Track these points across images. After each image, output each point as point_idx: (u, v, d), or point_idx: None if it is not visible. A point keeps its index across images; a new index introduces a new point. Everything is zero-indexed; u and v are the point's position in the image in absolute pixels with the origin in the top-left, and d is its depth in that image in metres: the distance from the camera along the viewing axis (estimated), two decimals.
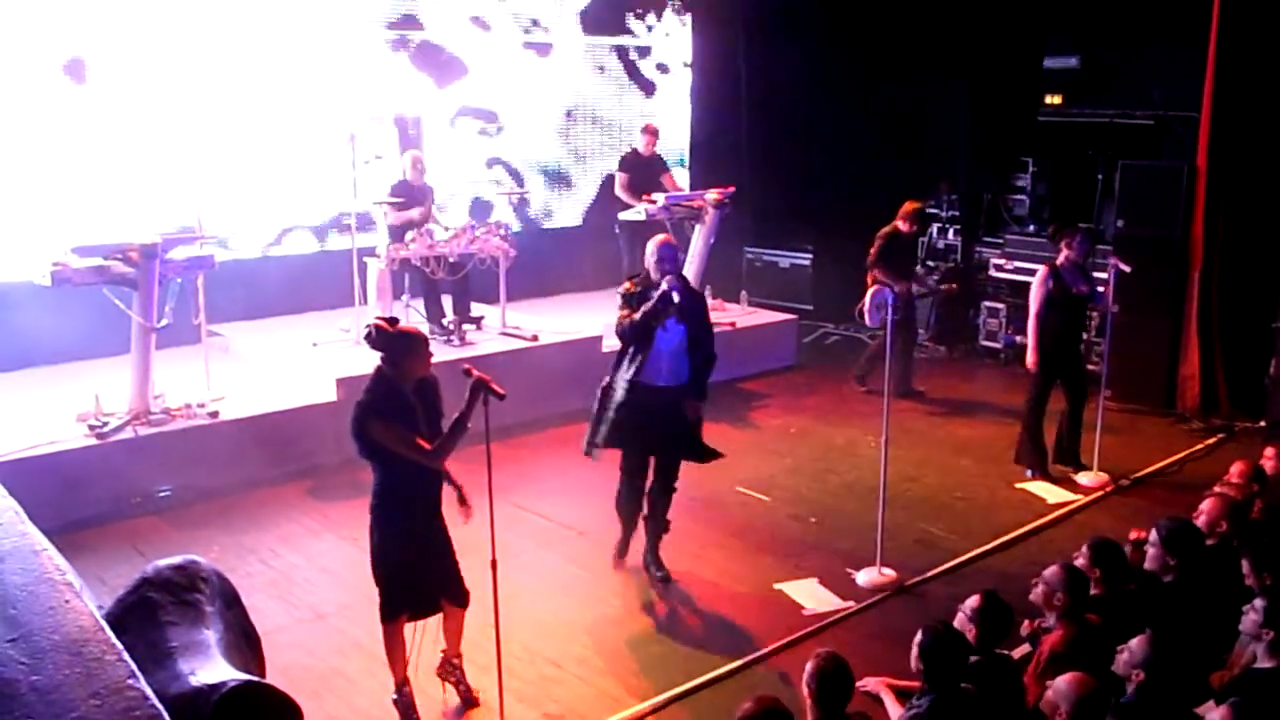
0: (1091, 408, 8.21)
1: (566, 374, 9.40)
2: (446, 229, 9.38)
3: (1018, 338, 11.14)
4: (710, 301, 10.97)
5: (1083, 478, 8.05)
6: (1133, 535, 5.68)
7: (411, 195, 9.39)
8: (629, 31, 12.47)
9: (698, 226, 10.35)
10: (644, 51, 12.65)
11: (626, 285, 6.32)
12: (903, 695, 4.75)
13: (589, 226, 12.27)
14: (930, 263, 12.04)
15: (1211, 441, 9.02)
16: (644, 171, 10.49)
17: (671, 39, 12.86)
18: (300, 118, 10.05)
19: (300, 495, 7.75)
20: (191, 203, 8.14)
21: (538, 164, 11.99)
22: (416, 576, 4.88)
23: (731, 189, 10.37)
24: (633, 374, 6.17)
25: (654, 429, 6.25)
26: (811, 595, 6.32)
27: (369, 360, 8.72)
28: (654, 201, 10.12)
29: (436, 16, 10.90)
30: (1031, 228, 11.64)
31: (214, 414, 7.85)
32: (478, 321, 9.74)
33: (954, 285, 11.27)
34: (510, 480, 6.90)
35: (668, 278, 6.05)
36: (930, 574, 6.61)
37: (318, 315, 10.08)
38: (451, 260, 9.28)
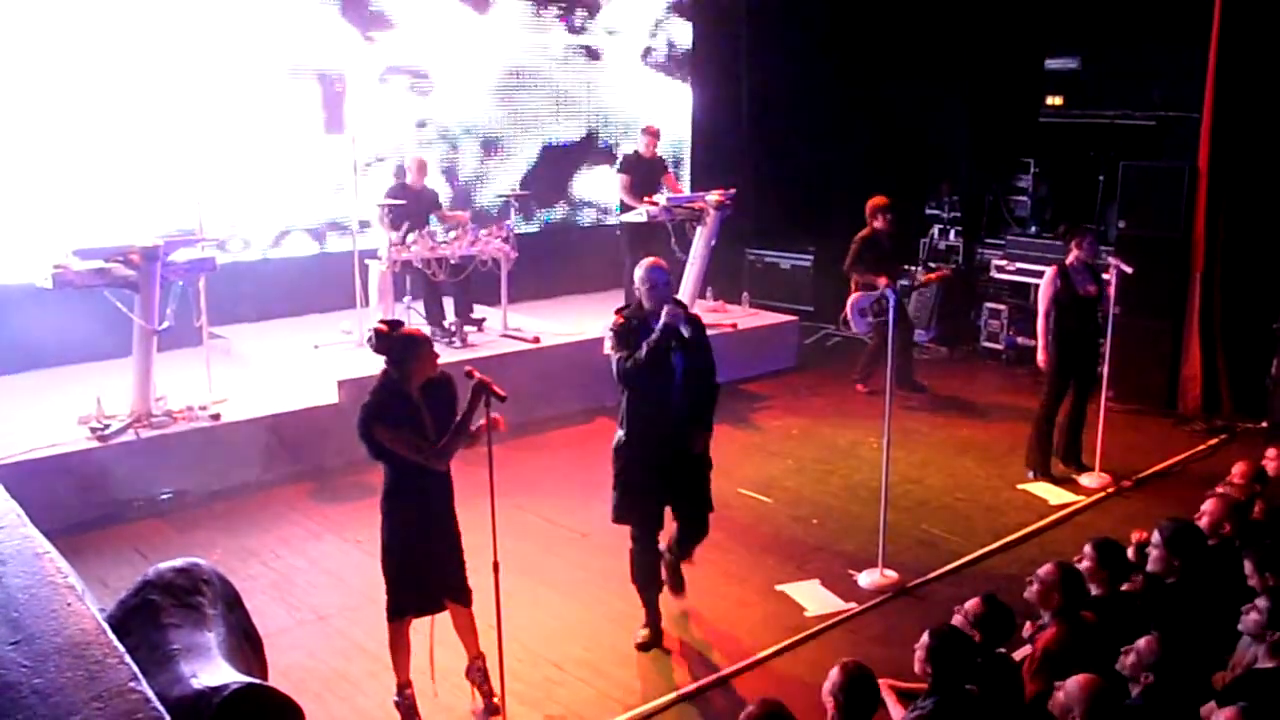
0: (1093, 408, 8.21)
1: (568, 376, 9.41)
2: (449, 231, 9.39)
3: (1019, 339, 11.16)
4: (712, 303, 11.01)
5: (1085, 479, 8.05)
6: (1134, 536, 5.67)
7: (411, 199, 9.38)
8: None
9: (699, 228, 10.35)
10: (592, 10, 12.20)
11: (614, 319, 5.58)
12: (905, 696, 4.74)
13: (590, 228, 12.29)
14: (931, 264, 12.04)
15: (1213, 442, 9.01)
16: (645, 173, 10.49)
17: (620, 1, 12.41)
18: (299, 118, 10.04)
19: (302, 497, 7.76)
20: (192, 205, 8.13)
21: (471, 128, 11.60)
22: (423, 575, 4.89)
23: (733, 190, 10.36)
24: (639, 423, 5.52)
25: (665, 477, 5.58)
26: (813, 597, 6.31)
27: (371, 362, 8.75)
28: (655, 203, 10.12)
29: None
30: (1033, 229, 11.64)
31: (215, 416, 7.86)
32: (479, 323, 9.75)
33: (945, 270, 11.17)
34: (512, 482, 6.89)
35: (667, 307, 5.42)
36: (932, 575, 6.60)
37: (319, 317, 10.09)
38: (453, 262, 9.28)
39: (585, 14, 12.09)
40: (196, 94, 9.48)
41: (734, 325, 10.66)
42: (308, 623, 5.99)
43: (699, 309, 10.41)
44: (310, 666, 5.48)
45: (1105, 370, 8.30)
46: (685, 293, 10.42)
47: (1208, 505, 5.37)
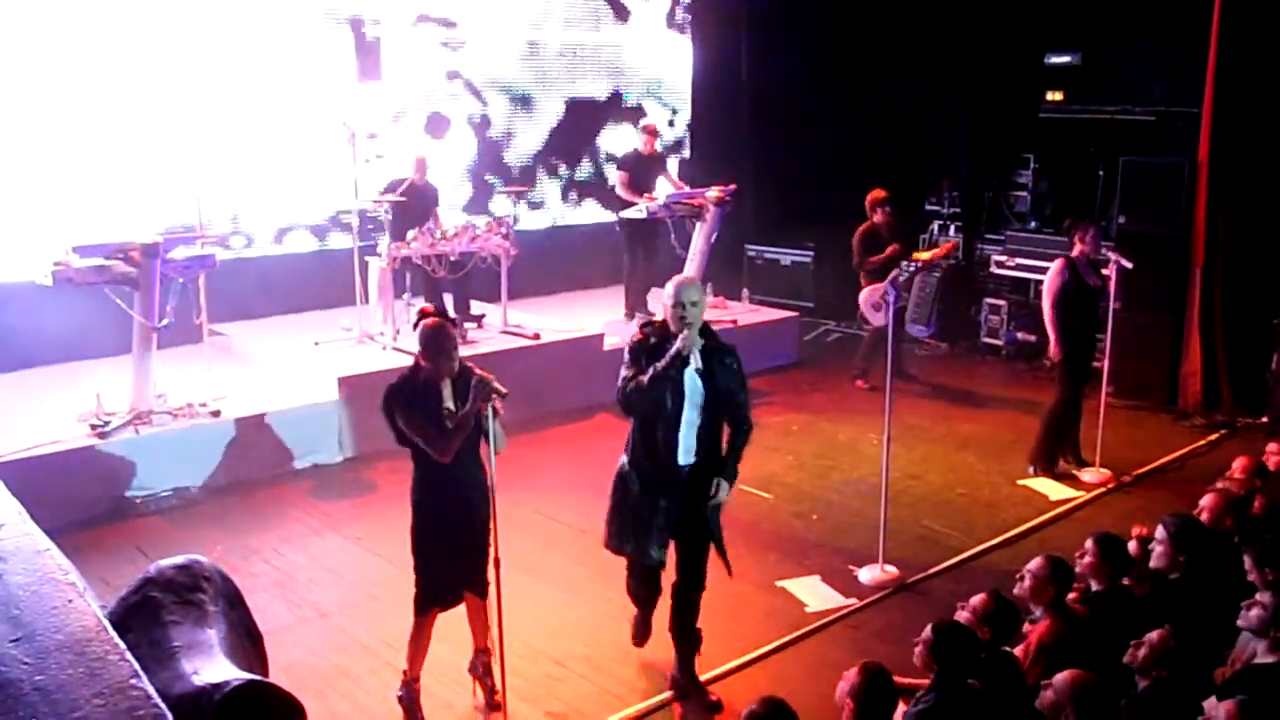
0: (1094, 404, 8.21)
1: (568, 372, 9.41)
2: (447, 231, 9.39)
3: (1019, 334, 11.16)
4: (712, 299, 11.00)
5: (1085, 474, 8.05)
6: (1135, 531, 5.67)
7: (414, 195, 9.38)
8: None
9: (699, 224, 10.34)
10: None
11: (635, 334, 5.13)
12: (906, 693, 4.74)
13: (591, 224, 12.28)
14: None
15: (1214, 438, 9.01)
16: (644, 170, 10.48)
17: None
18: (302, 114, 10.03)
19: (302, 495, 7.76)
20: (192, 202, 8.12)
21: (499, 83, 11.64)
22: (448, 567, 4.91)
23: (733, 187, 10.36)
24: (643, 453, 5.06)
25: (670, 514, 5.10)
26: (814, 592, 6.32)
27: (370, 359, 8.81)
28: (655, 199, 10.12)
29: None
30: (1033, 224, 11.63)
31: (216, 413, 7.86)
32: (479, 320, 9.75)
33: (948, 245, 11.06)
34: (512, 478, 6.89)
35: (685, 333, 4.87)
36: (933, 571, 6.61)
37: (319, 314, 10.09)
38: (453, 259, 9.27)
39: None
40: (198, 89, 9.46)
41: (734, 321, 10.66)
42: (309, 620, 5.99)
43: None
44: (311, 663, 5.49)
45: (1105, 365, 8.30)
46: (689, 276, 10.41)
47: (1206, 500, 5.37)
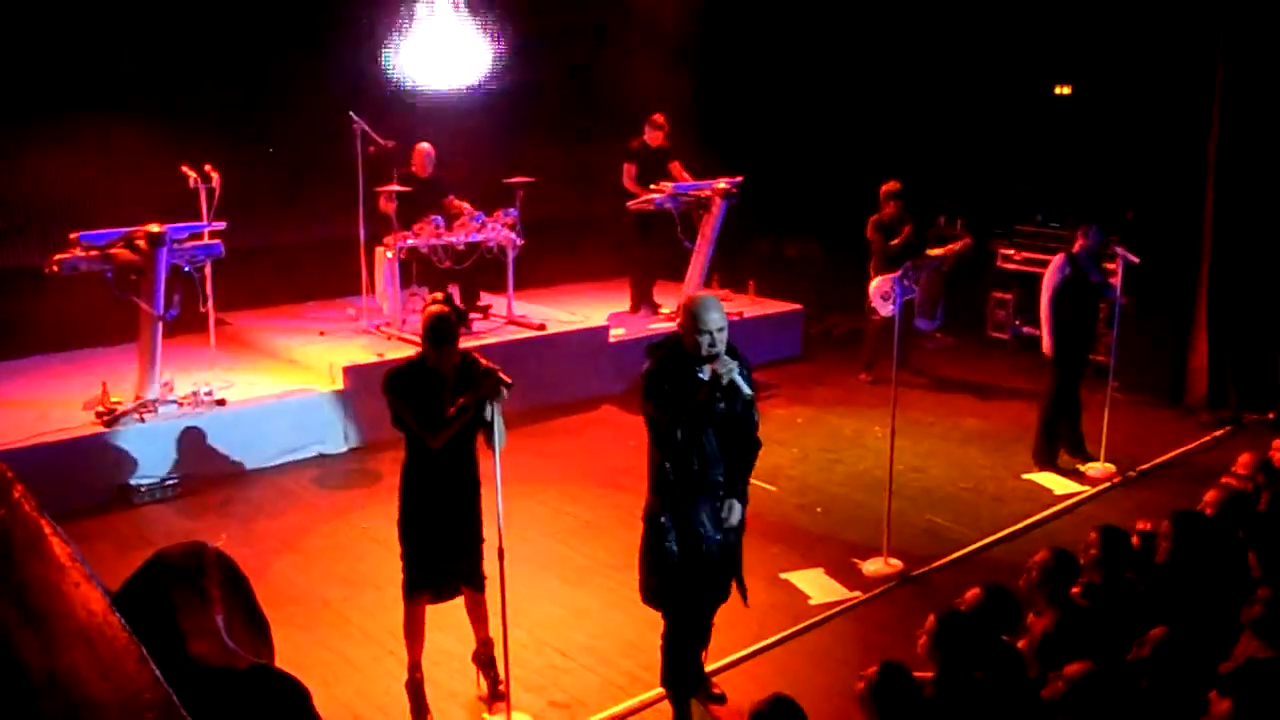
0: (1099, 399, 8.19)
1: (573, 363, 9.42)
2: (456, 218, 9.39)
3: (1025, 328, 11.14)
4: (717, 291, 11.00)
5: (1089, 469, 8.04)
6: (1139, 527, 5.66)
7: (417, 186, 9.38)
8: None
9: (705, 216, 10.33)
10: None
11: (647, 365, 4.63)
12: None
13: (595, 216, 12.25)
14: (944, 238, 11.99)
15: (1220, 434, 9.00)
16: (652, 162, 10.47)
17: None
18: (309, 102, 10.01)
19: (307, 484, 7.77)
20: (200, 190, 8.12)
21: None
22: (437, 557, 4.92)
23: (740, 178, 10.34)
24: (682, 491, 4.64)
25: (709, 559, 4.75)
26: (818, 585, 6.32)
27: (376, 348, 8.81)
28: (662, 191, 10.11)
29: None
30: (1039, 218, 11.60)
31: (221, 402, 7.87)
32: (485, 310, 9.75)
33: (963, 241, 11.02)
34: (516, 469, 6.90)
35: (722, 360, 4.53)
36: (936, 564, 6.61)
37: (325, 304, 10.11)
38: (459, 249, 9.27)
39: None
40: (206, 76, 9.46)
41: (740, 314, 10.65)
42: (314, 608, 6.00)
43: None
44: (316, 652, 5.50)
45: (1112, 361, 8.28)
46: (691, 282, 10.43)
47: (1210, 495, 5.36)
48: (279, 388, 8.35)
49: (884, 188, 10.00)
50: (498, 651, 4.99)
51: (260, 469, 7.89)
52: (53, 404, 7.76)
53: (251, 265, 9.58)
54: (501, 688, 5.01)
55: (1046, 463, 8.10)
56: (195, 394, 7.83)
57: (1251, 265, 9.46)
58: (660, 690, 5.12)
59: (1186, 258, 9.58)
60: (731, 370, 4.51)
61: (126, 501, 7.28)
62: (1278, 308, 9.29)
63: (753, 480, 7.51)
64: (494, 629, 5.05)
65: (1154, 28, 10.31)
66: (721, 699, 5.16)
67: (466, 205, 9.59)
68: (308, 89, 9.87)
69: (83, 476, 7.15)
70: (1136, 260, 7.91)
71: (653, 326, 10.15)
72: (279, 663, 3.23)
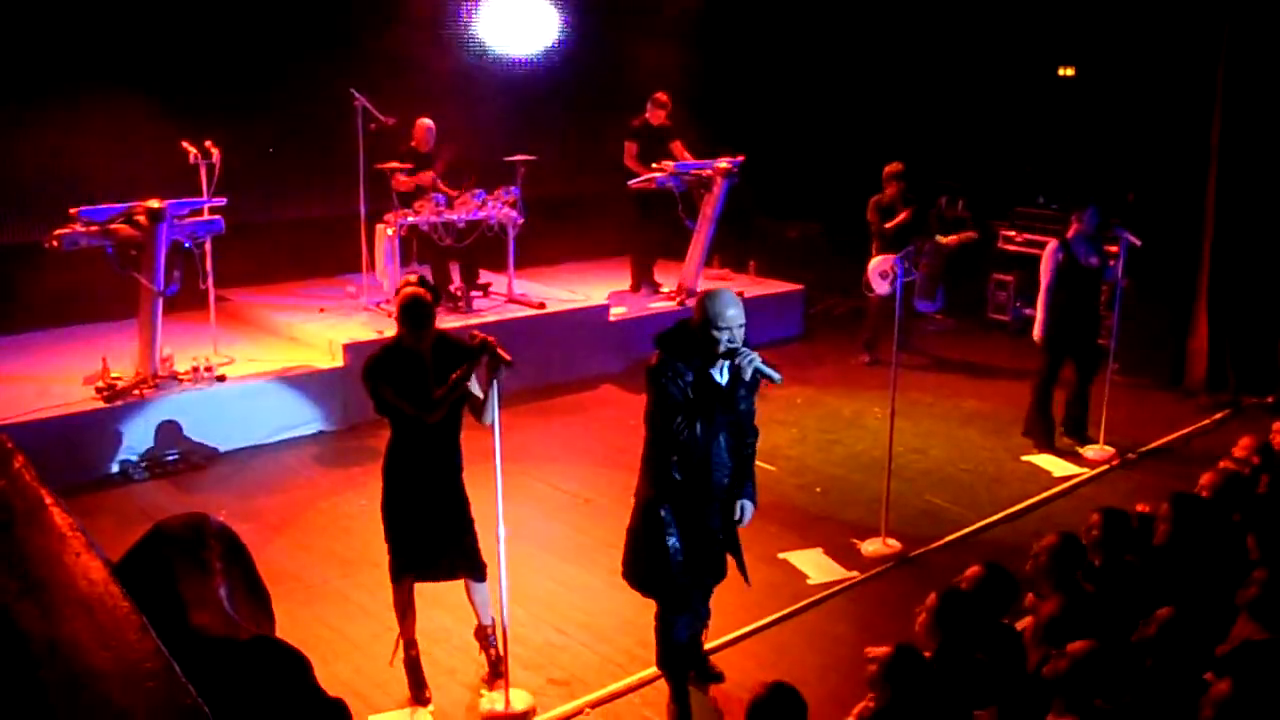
0: (1099, 381, 8.19)
1: (573, 342, 9.41)
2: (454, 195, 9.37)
3: (1026, 310, 11.13)
4: (717, 270, 10.99)
5: (1088, 451, 8.05)
6: (1138, 509, 5.67)
7: (420, 162, 9.35)
8: None
9: (706, 196, 10.31)
10: None
11: (652, 361, 4.46)
12: None
13: (597, 194, 12.23)
14: (941, 234, 11.99)
15: (1219, 417, 9.00)
16: (653, 141, 10.44)
17: None
18: (309, 80, 9.98)
19: (306, 461, 7.78)
20: (200, 166, 8.09)
21: None
22: (420, 539, 4.92)
23: (741, 158, 10.31)
24: (683, 483, 4.55)
25: (713, 550, 4.79)
26: (816, 565, 6.34)
27: (375, 325, 8.80)
28: (663, 170, 10.08)
29: None
30: (1040, 200, 11.57)
31: (221, 378, 7.87)
32: (485, 289, 9.74)
33: (969, 234, 11.02)
34: (516, 448, 6.91)
35: (741, 353, 4.41)
36: (935, 545, 6.63)
37: (325, 280, 10.10)
38: (459, 227, 9.25)
39: None
40: (207, 51, 9.42)
41: (740, 294, 10.51)
42: (312, 585, 6.02)
43: (705, 278, 10.43)
44: (315, 629, 5.51)
45: (1112, 343, 8.28)
46: (692, 261, 10.41)
47: (1206, 478, 5.37)
48: (279, 364, 8.35)
49: (886, 169, 9.99)
50: (496, 629, 5.01)
51: (260, 445, 7.90)
52: (53, 379, 7.76)
53: (252, 241, 9.54)
54: (500, 665, 5.02)
55: (1041, 441, 8.11)
56: (195, 370, 7.83)
57: (1252, 249, 9.44)
58: (657, 669, 5.15)
59: (1187, 241, 9.56)
60: (754, 361, 4.37)
61: (126, 477, 7.30)
62: (1278, 291, 9.28)
63: None
64: (494, 608, 5.06)
65: (1158, 10, 10.27)
66: (719, 677, 5.18)
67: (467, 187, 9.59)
68: (308, 65, 9.84)
69: (83, 452, 7.16)
70: (1138, 243, 7.90)
71: (653, 305, 10.14)
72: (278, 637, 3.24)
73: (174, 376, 7.75)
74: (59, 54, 8.76)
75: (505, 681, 4.87)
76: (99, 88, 8.87)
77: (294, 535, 6.63)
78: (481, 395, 4.76)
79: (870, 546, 6.50)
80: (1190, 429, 8.72)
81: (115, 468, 7.32)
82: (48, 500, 2.05)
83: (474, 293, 9.56)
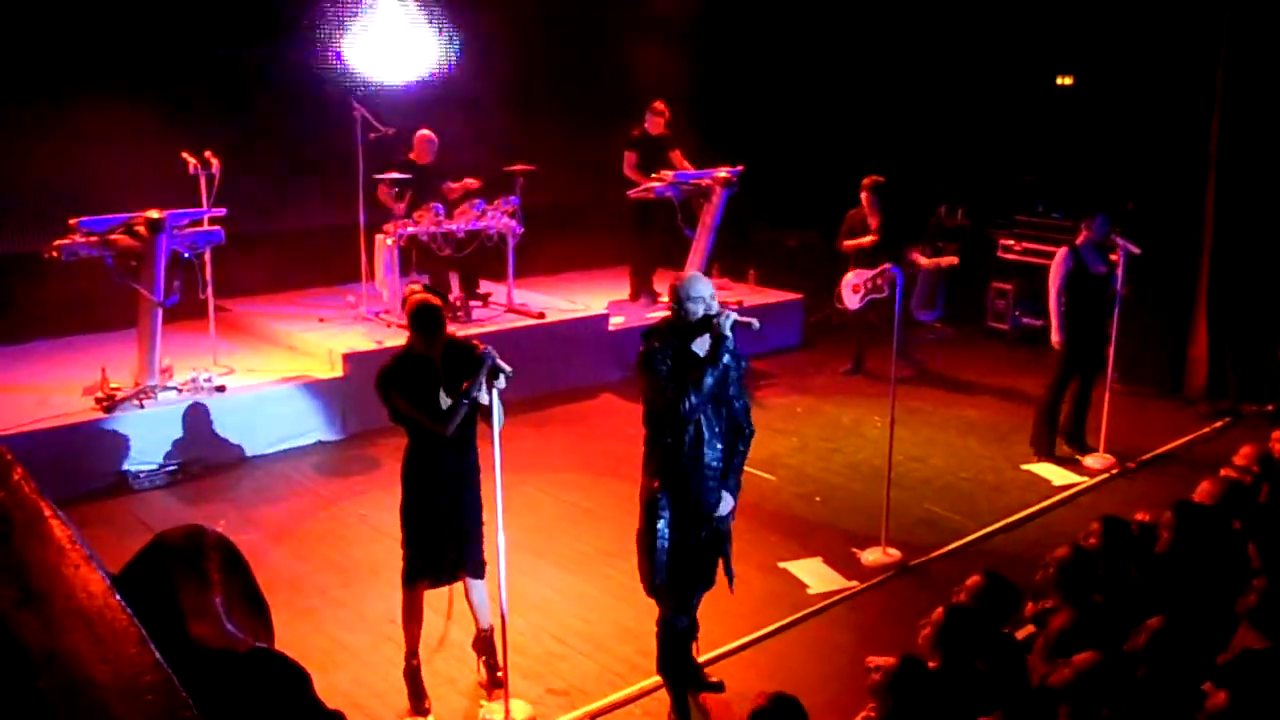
0: (1098, 390, 8.20)
1: (572, 352, 9.42)
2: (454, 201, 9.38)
3: (1025, 318, 11.14)
4: (717, 280, 10.98)
5: (1089, 460, 8.05)
6: (1139, 518, 5.66)
7: (418, 174, 9.36)
8: None
9: (705, 205, 10.32)
10: None
11: (651, 340, 4.66)
12: None
13: (596, 204, 12.24)
14: (940, 245, 11.99)
15: (1219, 425, 9.00)
16: (652, 150, 10.45)
17: None
18: (309, 89, 10.00)
19: (306, 471, 7.77)
20: (200, 177, 8.10)
21: None
22: (437, 544, 4.92)
23: (740, 167, 10.32)
24: (680, 465, 4.68)
25: (703, 544, 4.85)
26: (816, 574, 6.33)
27: (375, 335, 8.80)
28: (662, 179, 10.08)
29: None
30: (1040, 209, 11.58)
31: (220, 388, 7.87)
32: (484, 298, 9.74)
33: (951, 259, 10.97)
34: (516, 456, 6.90)
35: (721, 311, 4.62)
36: (935, 554, 6.62)
37: (325, 290, 10.10)
38: (459, 237, 9.26)
39: None
40: (207, 61, 9.43)
41: (739, 303, 10.63)
42: (311, 595, 6.01)
43: None
44: (313, 639, 5.50)
45: (1111, 351, 8.29)
46: (691, 270, 10.40)
47: (1204, 486, 5.36)
48: (278, 374, 8.35)
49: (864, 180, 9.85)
50: (496, 639, 5.00)
51: (259, 455, 7.90)
52: (52, 390, 7.76)
53: (251, 252, 9.54)
54: (500, 675, 5.02)
55: (1044, 451, 8.11)
56: (194, 380, 7.83)
57: (1252, 256, 9.45)
58: (658, 678, 5.14)
59: (1187, 249, 9.57)
60: (731, 316, 4.58)
61: (125, 487, 7.29)
62: (1278, 299, 9.28)
63: (752, 469, 7.61)
64: (493, 616, 5.05)
65: (1157, 18, 10.28)
66: (719, 687, 5.17)
67: (469, 180, 9.59)
68: (308, 75, 9.86)
69: (82, 462, 7.15)
70: (1138, 251, 7.91)
71: (652, 315, 10.14)
72: (277, 648, 3.23)
73: (173, 387, 7.74)
74: (58, 63, 8.77)
75: (505, 691, 4.86)
76: (99, 97, 8.89)
77: (293, 545, 6.62)
78: (487, 405, 4.76)
79: (870, 555, 6.49)
80: (1190, 437, 8.72)
81: (114, 478, 7.31)
82: (47, 512, 2.04)
83: (474, 303, 9.57)
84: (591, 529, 6.85)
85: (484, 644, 5.17)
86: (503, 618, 4.79)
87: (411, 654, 5.03)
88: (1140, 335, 9.39)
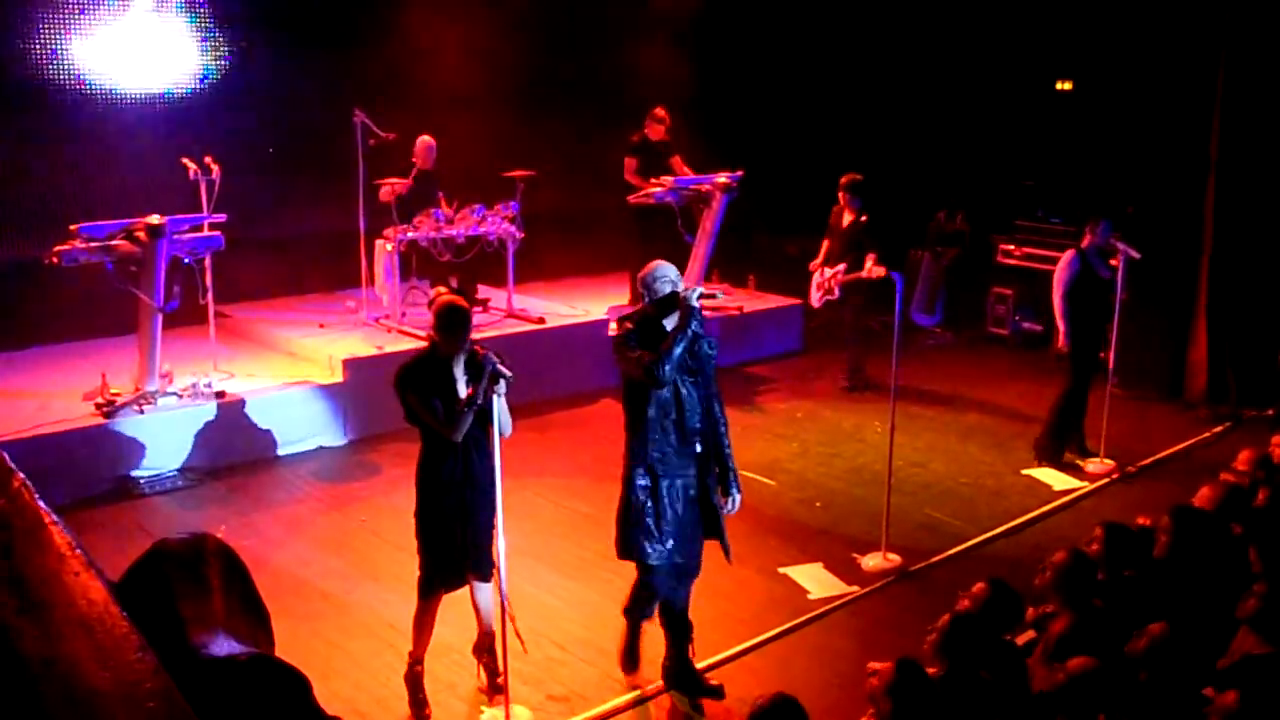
0: (1098, 394, 8.19)
1: (572, 357, 9.41)
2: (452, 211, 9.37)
3: (1025, 323, 11.14)
4: (717, 285, 10.99)
5: (1089, 465, 8.05)
6: (1139, 523, 5.66)
7: (419, 180, 9.36)
8: None
9: (705, 210, 10.32)
10: None
11: (624, 324, 5.01)
12: None
13: (596, 209, 12.25)
14: (939, 248, 12.00)
15: (1219, 429, 9.00)
16: (652, 156, 10.46)
17: None
18: (310, 94, 10.00)
19: (306, 476, 7.77)
20: (200, 183, 8.11)
21: None
22: (451, 550, 4.92)
23: (740, 173, 10.32)
24: (662, 445, 4.94)
25: (687, 514, 5.07)
26: (816, 579, 6.32)
27: (375, 341, 8.80)
28: (662, 185, 10.09)
29: None
30: (1040, 213, 11.59)
31: (220, 394, 7.86)
32: (484, 304, 9.75)
33: (882, 271, 10.72)
34: (515, 462, 6.89)
35: (686, 291, 4.93)
36: (935, 559, 6.62)
37: (325, 296, 10.10)
38: (459, 242, 9.26)
39: None
40: (208, 68, 9.44)
41: (740, 308, 10.65)
42: (311, 601, 6.00)
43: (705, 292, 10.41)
44: (313, 645, 5.49)
45: (1111, 356, 8.29)
46: (691, 276, 10.41)
47: (1204, 491, 5.36)
48: (278, 380, 8.35)
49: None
50: (496, 644, 5.00)
51: (259, 461, 7.89)
52: (52, 395, 7.76)
53: (251, 257, 9.54)
54: (500, 680, 5.01)
55: (1051, 458, 8.09)
56: (194, 386, 7.83)
57: (1251, 260, 9.46)
58: (658, 684, 5.17)
59: (1187, 253, 9.57)
60: (698, 291, 4.89)
61: (126, 493, 7.28)
62: (1277, 303, 9.28)
63: (752, 474, 7.64)
64: (495, 622, 5.05)
65: (1156, 23, 10.30)
66: (719, 692, 5.17)
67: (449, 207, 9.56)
68: (310, 82, 9.86)
69: (82, 468, 7.15)
70: (1138, 255, 7.91)
71: None
72: (278, 655, 3.22)
73: (173, 392, 7.75)
74: (59, 70, 8.77)
75: (505, 697, 4.85)
76: (100, 104, 8.91)
77: (293, 551, 6.62)
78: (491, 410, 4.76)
79: (870, 561, 6.49)
80: (1190, 442, 8.72)
81: (115, 484, 7.30)
82: (47, 519, 2.04)
83: (474, 308, 9.55)
84: (591, 534, 6.83)
85: (484, 649, 5.16)
86: (503, 623, 4.79)
87: (416, 661, 5.02)
88: (1140, 339, 9.40)
